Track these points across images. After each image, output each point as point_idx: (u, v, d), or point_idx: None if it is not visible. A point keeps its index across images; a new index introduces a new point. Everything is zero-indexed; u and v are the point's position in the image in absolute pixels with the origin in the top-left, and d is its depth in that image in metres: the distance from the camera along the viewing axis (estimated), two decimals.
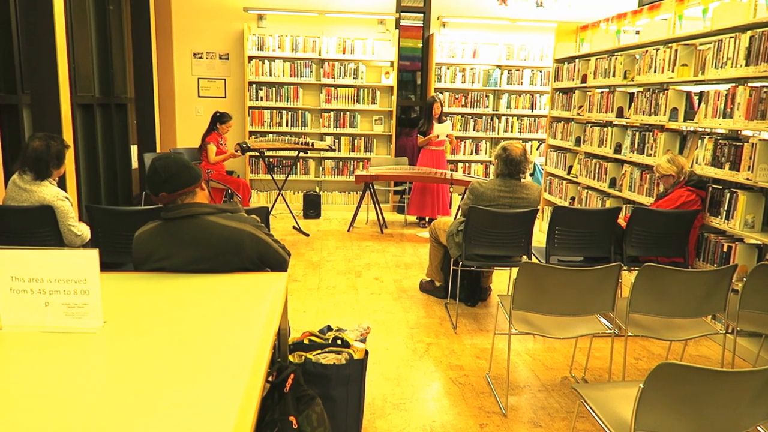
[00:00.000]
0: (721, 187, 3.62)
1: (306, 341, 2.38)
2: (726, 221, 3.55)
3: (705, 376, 1.64)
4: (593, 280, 2.66)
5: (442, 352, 3.43)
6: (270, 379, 1.77)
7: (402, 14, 7.34)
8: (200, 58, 7.08)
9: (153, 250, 2.08)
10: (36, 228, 3.14)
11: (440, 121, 6.35)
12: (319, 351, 2.33)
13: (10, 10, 4.03)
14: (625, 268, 3.66)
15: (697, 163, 3.82)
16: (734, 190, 3.49)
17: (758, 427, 1.84)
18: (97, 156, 5.30)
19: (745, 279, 2.75)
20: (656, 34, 4.53)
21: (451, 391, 2.97)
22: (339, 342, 2.38)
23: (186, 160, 2.18)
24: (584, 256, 3.83)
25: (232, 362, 1.41)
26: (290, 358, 2.27)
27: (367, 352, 2.41)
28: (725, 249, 3.57)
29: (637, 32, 5.34)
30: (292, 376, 1.77)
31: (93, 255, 1.57)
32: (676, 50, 4.10)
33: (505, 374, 3.06)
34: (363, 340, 2.49)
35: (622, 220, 3.87)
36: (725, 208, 3.56)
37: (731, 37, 3.52)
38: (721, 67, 3.62)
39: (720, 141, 3.59)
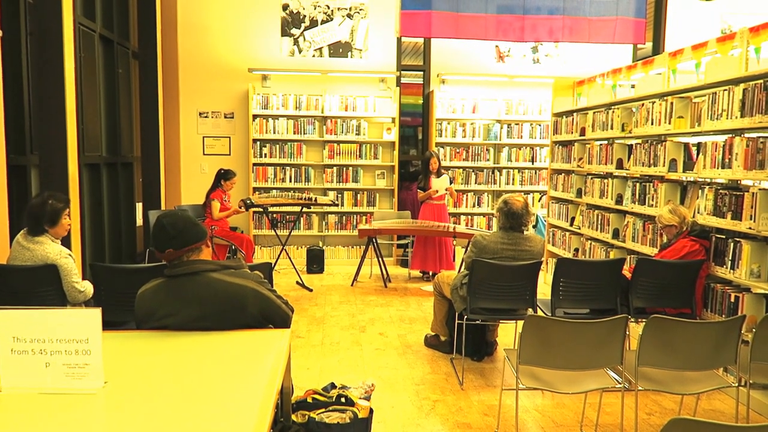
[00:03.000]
0: (724, 236, 3.61)
1: (309, 400, 2.33)
2: (731, 271, 3.53)
3: None
4: (600, 332, 2.63)
5: (448, 409, 3.35)
6: None
7: (402, 72, 7.54)
8: (206, 117, 7.24)
9: (156, 308, 2.07)
10: (39, 287, 3.14)
11: (438, 175, 6.43)
12: (323, 410, 2.28)
13: (22, 73, 4.15)
14: (632, 319, 3.62)
15: (698, 213, 3.83)
16: (738, 239, 3.49)
17: None
18: (103, 214, 5.35)
19: (754, 330, 2.71)
20: (651, 88, 4.64)
21: None
22: (343, 400, 2.33)
23: (192, 217, 2.21)
24: (590, 308, 3.79)
25: (233, 423, 1.38)
26: (293, 417, 2.22)
27: (371, 411, 2.36)
28: (732, 299, 3.53)
29: (633, 86, 5.46)
30: None
31: (95, 314, 1.56)
32: (672, 103, 4.18)
33: None
34: (367, 398, 2.45)
35: (626, 271, 3.85)
36: (730, 258, 3.54)
37: (725, 90, 3.60)
38: (717, 118, 3.69)
39: (720, 191, 3.61)
